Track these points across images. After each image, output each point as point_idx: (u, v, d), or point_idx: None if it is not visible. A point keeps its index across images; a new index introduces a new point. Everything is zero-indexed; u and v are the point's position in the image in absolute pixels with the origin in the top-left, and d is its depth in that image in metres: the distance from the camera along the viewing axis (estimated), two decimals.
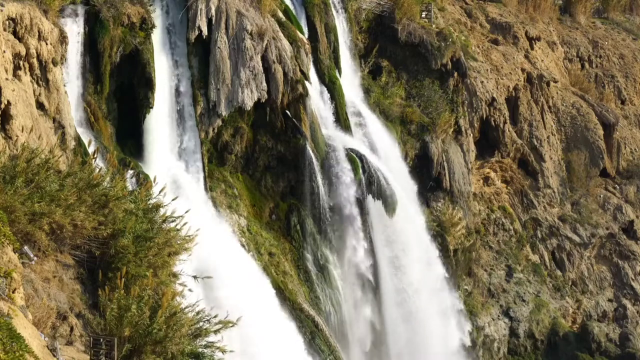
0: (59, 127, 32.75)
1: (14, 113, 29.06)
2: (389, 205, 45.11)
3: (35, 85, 31.95)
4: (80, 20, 36.32)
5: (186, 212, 23.68)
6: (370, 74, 52.16)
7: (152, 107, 38.11)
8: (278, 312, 38.90)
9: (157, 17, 39.42)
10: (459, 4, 62.99)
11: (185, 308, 20.29)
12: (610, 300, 58.99)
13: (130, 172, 34.67)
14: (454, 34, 53.71)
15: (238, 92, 40.37)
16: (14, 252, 17.98)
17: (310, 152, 42.51)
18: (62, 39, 34.31)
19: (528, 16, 65.61)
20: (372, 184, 44.42)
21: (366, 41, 52.33)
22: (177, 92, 39.90)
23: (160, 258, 21.46)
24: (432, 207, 50.71)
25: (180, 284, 22.67)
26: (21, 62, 31.03)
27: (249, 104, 40.62)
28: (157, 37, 39.19)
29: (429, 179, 50.67)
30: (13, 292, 16.63)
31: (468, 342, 50.27)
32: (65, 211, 20.30)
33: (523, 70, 59.52)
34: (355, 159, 44.18)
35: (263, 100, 41.16)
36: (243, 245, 40.12)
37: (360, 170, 44.08)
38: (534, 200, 58.39)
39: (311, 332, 40.13)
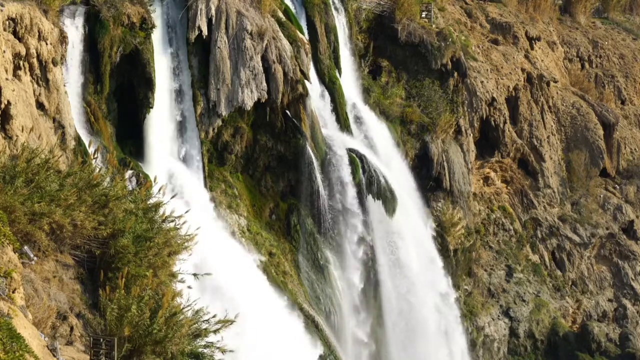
0: (59, 127, 32.76)
1: (14, 113, 29.06)
2: (389, 205, 45.12)
3: (35, 85, 31.96)
4: (80, 20, 36.33)
5: (186, 211, 23.69)
6: (370, 74, 52.17)
7: (152, 107, 38.12)
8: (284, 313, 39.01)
9: (157, 17, 39.42)
10: (459, 4, 62.99)
11: (184, 308, 20.29)
12: (610, 300, 58.99)
13: (130, 172, 34.68)
14: (454, 34, 53.71)
15: (238, 92, 40.38)
16: (14, 252, 17.98)
17: (310, 152, 42.52)
18: (62, 39, 34.31)
19: (528, 16, 65.61)
20: (372, 184, 44.43)
21: (366, 41, 52.33)
22: (177, 92, 39.91)
23: (160, 258, 21.45)
24: (432, 207, 50.72)
25: (179, 281, 22.65)
26: (21, 62, 31.03)
27: (249, 104, 40.63)
28: (157, 37, 39.19)
29: (429, 179, 50.67)
30: (13, 292, 16.63)
31: (468, 341, 50.29)
32: (65, 211, 20.30)
33: (523, 70, 59.53)
34: (355, 159, 44.18)
35: (263, 100, 41.16)
36: (243, 245, 40.13)
37: (360, 170, 44.09)
38: (534, 200, 58.40)
39: (311, 332, 40.13)
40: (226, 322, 20.81)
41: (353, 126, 47.10)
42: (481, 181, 57.00)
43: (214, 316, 20.82)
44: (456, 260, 51.52)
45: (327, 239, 43.48)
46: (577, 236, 58.79)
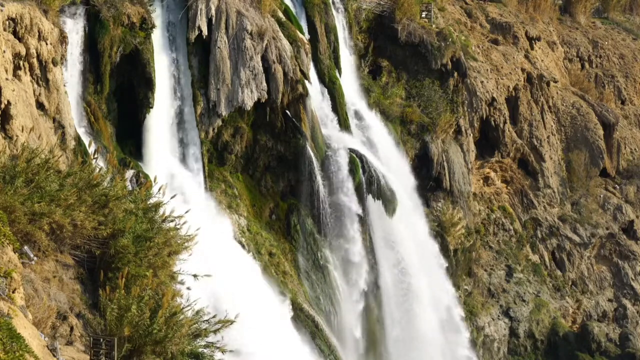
0: (59, 127, 32.75)
1: (14, 113, 29.06)
2: (389, 205, 45.11)
3: (35, 85, 31.95)
4: (80, 20, 36.31)
5: (186, 212, 23.68)
6: (370, 74, 52.16)
7: (152, 107, 38.12)
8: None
9: (157, 17, 39.42)
10: (459, 4, 62.99)
11: (184, 308, 20.28)
12: (610, 300, 58.99)
13: (130, 172, 34.68)
14: (454, 34, 53.71)
15: (238, 92, 40.38)
16: (14, 252, 17.97)
17: (310, 152, 42.52)
18: (62, 39, 34.29)
19: (528, 16, 65.61)
20: (372, 184, 44.42)
21: (366, 41, 52.33)
22: (177, 92, 39.90)
23: (160, 258, 21.44)
24: (432, 207, 50.70)
25: (179, 282, 22.65)
26: (21, 62, 31.02)
27: (249, 104, 40.64)
28: (157, 37, 39.19)
29: (429, 179, 50.66)
30: (13, 292, 16.62)
31: (468, 343, 50.23)
32: (65, 211, 20.29)
33: (523, 70, 59.53)
34: (355, 159, 44.18)
35: (263, 100, 41.16)
36: (243, 245, 40.12)
37: (360, 170, 44.09)
38: (534, 200, 58.39)
39: (311, 332, 40.13)
40: (226, 322, 20.81)
41: (353, 126, 47.09)
42: (481, 181, 57.00)
43: (214, 316, 20.83)
44: (456, 260, 51.50)
45: (327, 239, 43.46)
46: (577, 236, 58.79)
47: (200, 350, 20.39)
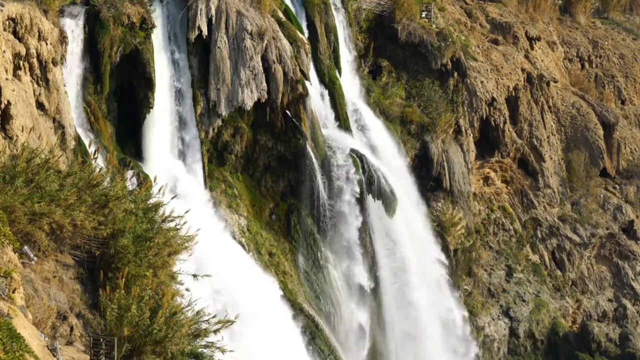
0: (59, 127, 32.76)
1: (14, 113, 29.06)
2: (389, 205, 45.10)
3: (35, 85, 31.95)
4: (80, 20, 36.31)
5: (186, 212, 23.68)
6: (370, 74, 52.17)
7: (152, 107, 38.12)
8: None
9: (157, 17, 39.41)
10: (459, 4, 62.99)
11: (184, 308, 20.28)
12: (610, 300, 58.99)
13: (130, 172, 34.68)
14: (454, 34, 53.71)
15: (238, 92, 40.38)
16: (14, 252, 17.97)
17: (310, 152, 42.52)
18: (62, 39, 34.30)
19: (528, 16, 65.61)
20: (372, 184, 44.42)
21: (366, 41, 52.33)
22: (177, 92, 39.89)
23: (160, 258, 21.43)
24: (432, 207, 50.70)
25: (179, 283, 22.64)
26: (21, 62, 31.03)
27: (249, 104, 40.63)
28: (157, 37, 39.19)
29: (429, 179, 50.66)
30: (13, 292, 16.62)
31: (469, 344, 50.25)
32: (65, 211, 20.28)
33: (523, 70, 59.53)
34: (355, 159, 44.17)
35: (263, 100, 41.16)
36: (243, 245, 40.12)
37: (360, 170, 44.08)
38: (534, 200, 58.39)
39: (311, 332, 40.13)
40: (226, 322, 20.81)
41: (353, 126, 47.10)
42: (481, 181, 57.00)
43: (214, 316, 20.82)
44: (456, 260, 51.50)
45: (327, 239, 43.46)
46: (577, 236, 58.79)
47: (200, 350, 20.38)
